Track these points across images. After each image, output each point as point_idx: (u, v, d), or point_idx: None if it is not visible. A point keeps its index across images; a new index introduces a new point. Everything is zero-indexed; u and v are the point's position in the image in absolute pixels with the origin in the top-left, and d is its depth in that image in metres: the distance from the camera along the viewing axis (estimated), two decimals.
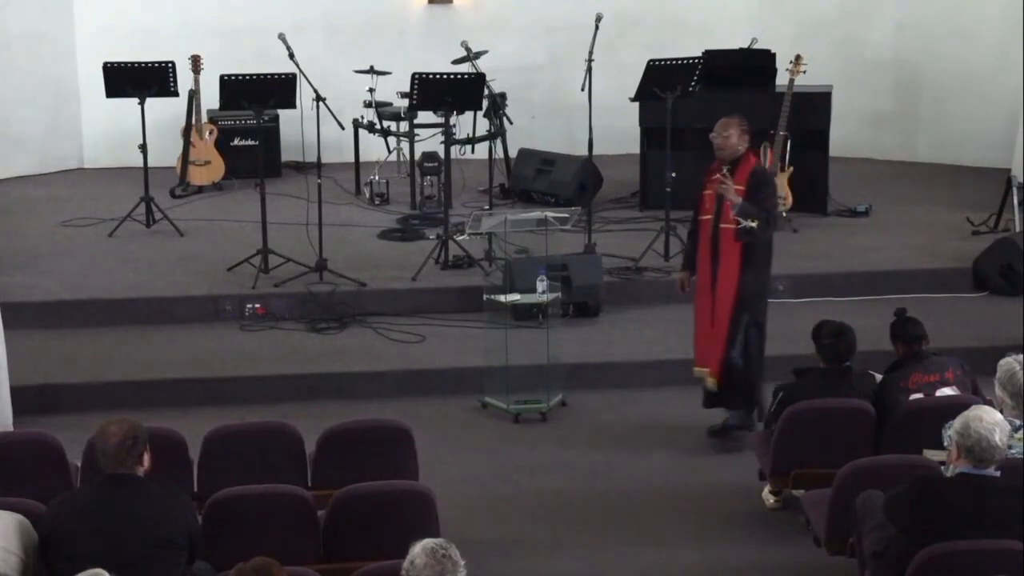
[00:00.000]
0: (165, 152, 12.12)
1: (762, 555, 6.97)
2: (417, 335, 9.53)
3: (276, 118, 12.50)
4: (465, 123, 11.97)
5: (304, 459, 6.69)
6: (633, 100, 10.80)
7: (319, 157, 10.04)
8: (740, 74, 11.57)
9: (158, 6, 12.99)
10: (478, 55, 11.94)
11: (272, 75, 10.17)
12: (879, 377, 7.23)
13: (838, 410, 6.93)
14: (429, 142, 11.82)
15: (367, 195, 12.16)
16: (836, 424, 6.90)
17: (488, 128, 12.07)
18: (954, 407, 6.12)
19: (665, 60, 10.49)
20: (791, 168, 11.15)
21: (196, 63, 12.03)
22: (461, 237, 10.37)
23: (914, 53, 13.21)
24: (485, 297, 9.25)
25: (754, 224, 7.83)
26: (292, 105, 10.31)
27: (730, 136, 7.94)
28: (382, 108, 12.13)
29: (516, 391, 8.64)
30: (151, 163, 11.16)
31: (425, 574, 4.59)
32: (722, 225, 7.94)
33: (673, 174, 10.42)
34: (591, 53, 10.38)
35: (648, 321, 9.79)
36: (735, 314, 8.02)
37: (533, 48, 13.39)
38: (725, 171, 7.92)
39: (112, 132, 12.83)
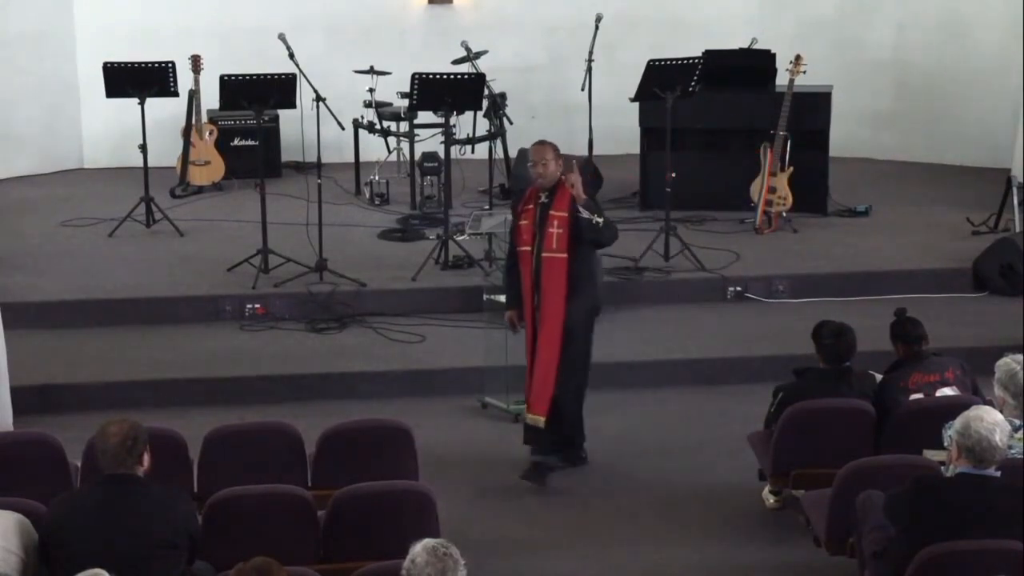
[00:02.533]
0: (165, 152, 12.11)
1: (762, 555, 6.98)
2: (417, 335, 9.52)
3: (276, 118, 12.49)
4: (465, 123, 11.96)
5: (304, 459, 6.69)
6: (633, 100, 10.79)
7: (319, 157, 10.04)
8: (740, 74, 11.57)
9: (158, 6, 12.98)
10: (478, 55, 11.93)
11: (272, 75, 10.17)
12: (879, 377, 7.23)
13: (838, 410, 6.93)
14: (429, 142, 11.82)
15: (367, 195, 12.15)
16: (836, 424, 6.91)
17: (488, 128, 12.06)
18: (954, 407, 6.13)
19: (665, 60, 10.49)
20: (791, 168, 11.14)
21: (196, 63, 12.02)
22: (461, 237, 10.37)
23: (914, 53, 13.21)
24: (485, 297, 9.26)
25: (600, 220, 7.53)
26: (292, 105, 10.31)
27: (548, 163, 7.63)
28: (382, 108, 12.13)
29: (516, 391, 8.63)
30: (151, 163, 11.16)
31: (427, 572, 4.60)
32: (544, 254, 7.61)
33: (673, 174, 10.42)
34: (591, 53, 10.40)
35: (648, 321, 9.80)
36: (564, 348, 7.66)
37: (533, 48, 13.38)
38: (543, 199, 7.63)
39: (112, 132, 12.83)
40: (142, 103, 10.92)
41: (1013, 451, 5.94)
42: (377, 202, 12.01)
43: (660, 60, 10.48)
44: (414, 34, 13.35)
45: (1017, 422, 6.09)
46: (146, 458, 5.60)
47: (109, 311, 9.75)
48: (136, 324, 9.68)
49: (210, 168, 12.32)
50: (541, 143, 7.87)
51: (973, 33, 12.92)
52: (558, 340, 7.67)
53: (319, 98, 9.89)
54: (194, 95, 12.08)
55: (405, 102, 11.07)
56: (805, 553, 6.79)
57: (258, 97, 10.16)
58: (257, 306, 9.81)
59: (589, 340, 7.83)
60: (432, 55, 12.07)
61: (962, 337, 9.15)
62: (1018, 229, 10.83)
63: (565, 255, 7.61)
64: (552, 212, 7.63)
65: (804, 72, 11.06)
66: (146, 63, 11.02)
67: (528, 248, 7.71)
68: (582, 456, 8.00)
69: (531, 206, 7.72)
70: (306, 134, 10.83)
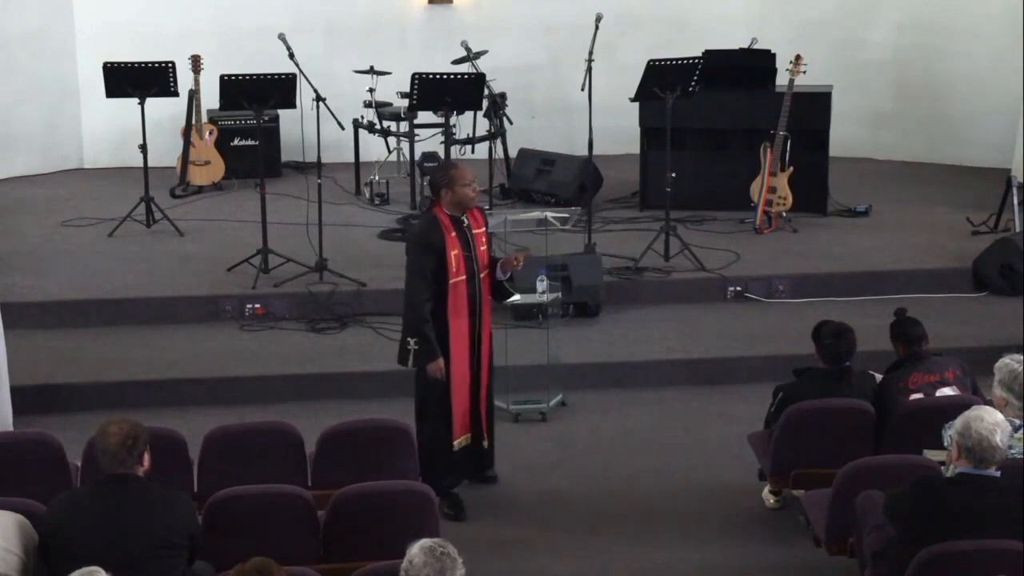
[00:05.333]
0: (165, 152, 12.12)
1: (762, 555, 6.98)
2: None
3: (276, 118, 12.50)
4: (465, 123, 11.97)
5: (304, 459, 6.70)
6: (633, 100, 10.79)
7: (319, 157, 10.04)
8: (740, 74, 11.57)
9: (158, 6, 12.98)
10: (478, 55, 11.94)
11: (272, 75, 10.17)
12: (879, 377, 7.23)
13: (838, 410, 6.93)
14: (429, 142, 11.82)
15: (367, 195, 12.15)
16: (836, 424, 6.90)
17: (488, 128, 12.06)
18: (954, 407, 6.13)
19: (665, 60, 10.49)
20: (791, 168, 11.14)
21: (196, 63, 12.03)
22: None
23: (914, 53, 13.21)
24: None
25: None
26: (292, 105, 10.31)
27: (476, 183, 7.48)
28: (382, 108, 12.13)
29: (516, 391, 8.64)
30: (151, 163, 11.16)
31: (424, 572, 4.60)
32: (481, 275, 7.42)
33: (673, 174, 10.42)
34: (591, 53, 10.37)
35: (648, 321, 9.80)
36: (490, 366, 7.66)
37: (533, 48, 13.38)
38: (466, 223, 7.34)
39: (112, 132, 12.83)
40: (142, 103, 10.92)
41: (1013, 451, 5.94)
42: (377, 202, 12.01)
43: (660, 60, 10.48)
44: (414, 34, 13.35)
45: (1017, 422, 6.09)
46: (146, 458, 5.60)
47: (109, 311, 9.75)
48: (136, 324, 9.67)
49: (210, 168, 12.32)
50: (457, 164, 7.74)
51: (973, 33, 12.92)
52: (489, 358, 7.61)
53: (319, 98, 9.89)
54: (194, 95, 12.08)
55: (405, 102, 11.07)
56: (805, 553, 6.79)
57: (258, 97, 10.16)
58: (257, 306, 9.81)
59: None
60: (432, 55, 12.08)
61: (962, 337, 9.15)
62: (1018, 229, 10.83)
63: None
64: (476, 231, 7.41)
65: (804, 72, 11.06)
66: (146, 63, 11.01)
67: (463, 277, 7.33)
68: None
69: (454, 233, 7.31)
70: (306, 134, 10.83)
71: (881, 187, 12.40)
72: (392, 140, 12.41)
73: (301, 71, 10.01)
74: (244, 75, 10.19)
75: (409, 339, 7.31)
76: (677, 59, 10.54)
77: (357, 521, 6.00)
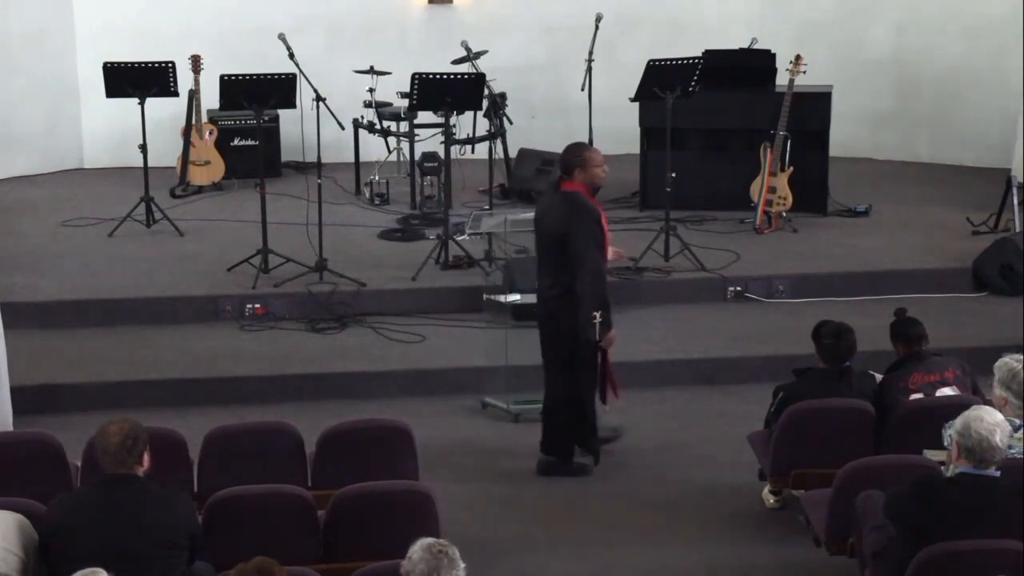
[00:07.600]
0: (165, 152, 12.12)
1: (762, 555, 6.98)
2: (417, 335, 9.52)
3: (276, 118, 12.49)
4: (465, 123, 11.97)
5: (304, 459, 6.70)
6: (633, 100, 10.79)
7: (319, 157, 10.04)
8: (740, 74, 11.57)
9: (158, 6, 12.98)
10: (478, 55, 11.93)
11: (272, 75, 10.17)
12: (879, 377, 7.23)
13: (838, 410, 6.94)
14: (429, 142, 11.82)
15: (367, 195, 12.15)
16: (836, 424, 6.91)
17: (488, 128, 12.06)
18: (954, 407, 6.14)
19: (665, 60, 10.49)
20: (791, 168, 11.14)
21: (196, 63, 12.03)
22: (461, 237, 10.37)
23: (914, 53, 13.21)
24: (485, 297, 9.25)
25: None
26: (292, 105, 10.31)
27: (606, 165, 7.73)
28: (382, 108, 12.13)
29: (516, 391, 8.64)
30: (151, 163, 11.16)
31: (419, 568, 4.66)
32: None
33: (673, 174, 10.42)
34: (591, 53, 10.39)
35: (648, 321, 9.79)
36: None
37: (533, 48, 13.38)
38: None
39: (112, 132, 12.83)
40: (142, 103, 10.92)
41: (1013, 451, 5.94)
42: (377, 202, 12.01)
43: (660, 60, 10.48)
44: (414, 34, 13.35)
45: (1017, 422, 6.09)
46: (146, 458, 5.60)
47: (109, 311, 9.75)
48: (136, 324, 9.67)
49: (210, 168, 12.32)
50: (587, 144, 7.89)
51: (973, 33, 12.92)
52: None
53: (319, 98, 9.89)
54: (194, 95, 12.08)
55: (405, 102, 11.07)
56: (805, 553, 6.79)
57: (258, 97, 10.16)
58: (257, 306, 9.81)
59: None
60: (432, 55, 12.08)
61: (962, 337, 9.16)
62: (1018, 229, 10.83)
63: None
64: None
65: (804, 72, 11.06)
66: (146, 63, 11.01)
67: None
68: None
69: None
70: (306, 134, 10.83)
71: (881, 187, 12.40)
72: (392, 140, 12.41)
73: (301, 71, 10.02)
74: (244, 75, 10.19)
75: (595, 312, 7.44)
76: (677, 59, 10.54)
77: (357, 521, 6.01)
